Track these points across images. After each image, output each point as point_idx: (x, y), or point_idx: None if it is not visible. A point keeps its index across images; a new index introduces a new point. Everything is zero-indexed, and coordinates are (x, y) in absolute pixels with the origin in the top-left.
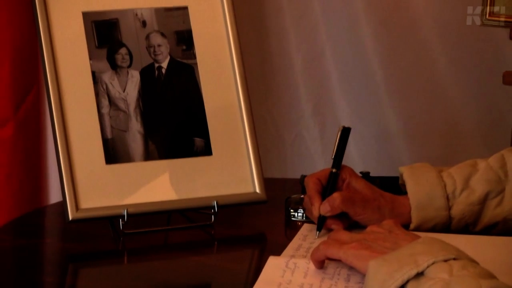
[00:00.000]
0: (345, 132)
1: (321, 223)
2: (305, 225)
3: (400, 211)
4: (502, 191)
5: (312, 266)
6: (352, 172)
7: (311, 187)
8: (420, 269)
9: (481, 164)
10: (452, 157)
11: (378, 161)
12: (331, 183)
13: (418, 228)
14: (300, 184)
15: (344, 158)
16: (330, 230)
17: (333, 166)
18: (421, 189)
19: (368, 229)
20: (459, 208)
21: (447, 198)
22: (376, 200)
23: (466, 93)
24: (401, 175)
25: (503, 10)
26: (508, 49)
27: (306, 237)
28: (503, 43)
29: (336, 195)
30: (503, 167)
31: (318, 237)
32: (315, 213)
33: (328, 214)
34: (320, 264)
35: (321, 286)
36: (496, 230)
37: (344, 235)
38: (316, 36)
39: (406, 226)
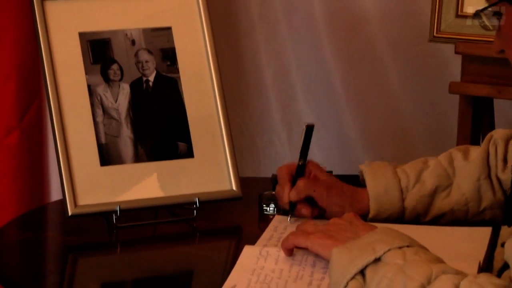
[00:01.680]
0: (309, 129)
1: (292, 208)
2: (276, 218)
3: (359, 198)
4: (450, 185)
5: (282, 254)
6: (317, 165)
7: (282, 176)
8: (377, 256)
9: (432, 161)
10: (404, 159)
11: (339, 162)
12: (298, 173)
13: (376, 217)
14: (271, 182)
15: (308, 159)
16: (300, 218)
17: (300, 158)
18: (379, 183)
19: (331, 221)
20: (411, 200)
21: (401, 191)
22: (339, 187)
23: (416, 102)
24: (361, 172)
25: (449, 27)
26: (453, 62)
27: (277, 229)
28: (449, 57)
29: (300, 181)
30: (451, 164)
31: (290, 221)
32: (285, 198)
33: (295, 199)
34: (290, 252)
35: (290, 271)
36: (444, 220)
37: (310, 227)
38: (284, 54)
39: (364, 217)
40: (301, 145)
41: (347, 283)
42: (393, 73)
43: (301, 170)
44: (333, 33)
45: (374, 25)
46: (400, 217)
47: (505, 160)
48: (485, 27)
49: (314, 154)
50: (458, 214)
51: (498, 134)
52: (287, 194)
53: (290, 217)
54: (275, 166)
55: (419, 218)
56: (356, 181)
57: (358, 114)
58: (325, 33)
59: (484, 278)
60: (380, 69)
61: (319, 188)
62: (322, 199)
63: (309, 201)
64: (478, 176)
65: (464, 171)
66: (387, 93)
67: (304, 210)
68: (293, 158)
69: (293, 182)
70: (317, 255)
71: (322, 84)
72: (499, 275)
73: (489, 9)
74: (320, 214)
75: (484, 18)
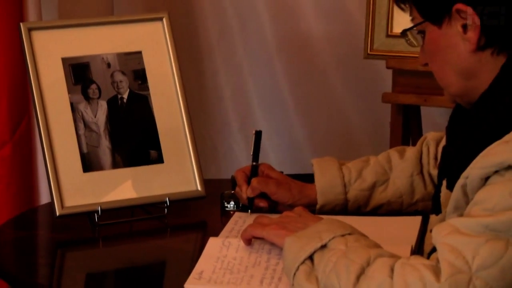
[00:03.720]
0: (258, 134)
1: (251, 203)
2: (236, 214)
3: (307, 193)
4: (387, 180)
5: (242, 244)
6: (269, 166)
7: (239, 178)
8: (323, 242)
9: (372, 160)
10: (346, 159)
11: (290, 164)
12: (252, 173)
13: (322, 209)
14: (231, 183)
15: (261, 161)
16: (259, 210)
17: (253, 161)
18: (325, 178)
19: (284, 214)
20: (353, 193)
21: (344, 185)
22: (287, 183)
23: (356, 110)
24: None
25: (381, 46)
26: (385, 75)
27: (237, 223)
28: (382, 71)
29: (253, 180)
30: (389, 162)
31: (250, 214)
32: (244, 196)
33: (251, 195)
34: (248, 242)
35: (249, 258)
36: (382, 210)
37: (266, 219)
38: (240, 72)
39: (311, 208)
40: (252, 149)
41: (298, 267)
42: (336, 86)
43: (254, 170)
44: (283, 53)
45: (318, 45)
46: (343, 208)
47: (436, 158)
48: (411, 44)
49: (269, 157)
50: (394, 205)
51: (430, 136)
52: (244, 192)
53: (250, 211)
54: (235, 169)
55: (360, 208)
56: (304, 178)
57: (306, 121)
58: (276, 53)
59: (415, 260)
60: (324, 82)
61: (270, 185)
62: (273, 194)
63: (266, 196)
64: (411, 173)
65: (399, 168)
66: (331, 103)
67: (262, 203)
68: (250, 161)
69: (248, 182)
70: (272, 244)
71: (274, 97)
72: (429, 257)
73: (414, 28)
74: (274, 207)
75: (410, 36)
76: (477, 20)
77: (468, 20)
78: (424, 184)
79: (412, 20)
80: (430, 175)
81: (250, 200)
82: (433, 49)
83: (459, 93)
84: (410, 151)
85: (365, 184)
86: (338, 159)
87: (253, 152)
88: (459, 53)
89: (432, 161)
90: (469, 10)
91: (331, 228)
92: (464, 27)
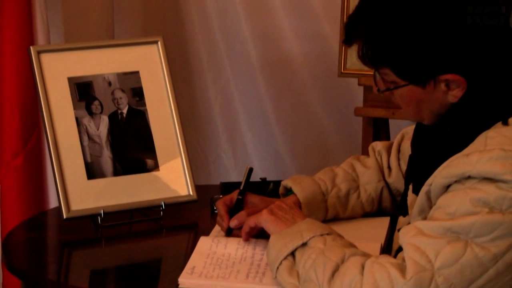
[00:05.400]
0: (251, 170)
1: (230, 232)
2: None
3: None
4: (358, 187)
5: (230, 241)
6: (248, 193)
7: (221, 209)
8: (304, 241)
9: (338, 170)
10: (324, 167)
11: (273, 171)
12: (236, 204)
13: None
14: (219, 189)
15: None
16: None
17: (240, 194)
18: (305, 189)
19: (277, 202)
20: (331, 200)
21: (323, 194)
22: (271, 203)
23: (331, 123)
24: (283, 186)
25: (353, 65)
26: (357, 91)
27: None
28: (354, 88)
29: (242, 212)
30: (354, 171)
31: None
32: (226, 226)
33: (237, 227)
34: (247, 237)
35: (236, 255)
36: (357, 214)
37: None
38: (227, 88)
39: None
40: (243, 183)
41: (281, 262)
42: (313, 101)
43: (239, 203)
44: (266, 72)
45: (297, 64)
46: (324, 216)
47: (389, 168)
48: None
49: (253, 164)
50: (367, 209)
51: (379, 146)
52: (227, 223)
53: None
54: (223, 176)
55: (338, 215)
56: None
57: (287, 133)
58: (259, 72)
59: (384, 258)
60: (303, 98)
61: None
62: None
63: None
64: (378, 179)
65: (366, 176)
66: (309, 116)
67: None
68: (237, 170)
69: (231, 212)
70: (256, 241)
71: (258, 111)
72: (395, 255)
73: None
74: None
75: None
76: (465, 82)
77: (455, 82)
78: (388, 190)
79: (383, 74)
80: (386, 182)
81: (229, 229)
82: (411, 101)
83: (432, 123)
84: (370, 160)
85: (342, 192)
86: (305, 175)
87: (244, 186)
88: (441, 103)
89: (386, 170)
90: (460, 78)
91: (311, 227)
92: (448, 85)
